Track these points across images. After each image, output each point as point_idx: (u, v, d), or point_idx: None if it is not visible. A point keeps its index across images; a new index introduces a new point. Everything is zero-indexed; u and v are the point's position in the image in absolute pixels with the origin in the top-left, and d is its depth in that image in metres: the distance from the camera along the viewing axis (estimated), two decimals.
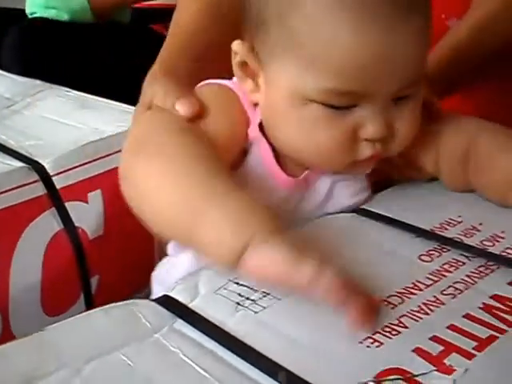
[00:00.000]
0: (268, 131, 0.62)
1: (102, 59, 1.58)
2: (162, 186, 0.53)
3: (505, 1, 0.86)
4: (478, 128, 0.65)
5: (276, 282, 0.47)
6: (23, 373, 0.42)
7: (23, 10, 1.73)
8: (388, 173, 0.68)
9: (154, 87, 0.67)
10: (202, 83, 0.65)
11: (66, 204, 0.83)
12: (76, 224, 0.84)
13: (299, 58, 0.56)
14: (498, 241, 0.57)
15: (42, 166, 0.81)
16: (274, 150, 0.62)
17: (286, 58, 0.57)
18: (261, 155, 0.62)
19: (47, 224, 0.81)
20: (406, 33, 0.55)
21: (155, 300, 0.50)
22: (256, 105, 0.62)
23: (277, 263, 0.46)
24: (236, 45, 0.61)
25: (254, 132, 0.62)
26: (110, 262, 0.88)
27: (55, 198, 0.82)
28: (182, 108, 0.60)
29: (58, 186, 0.82)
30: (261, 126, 0.62)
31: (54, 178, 0.82)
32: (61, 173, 0.83)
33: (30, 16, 1.73)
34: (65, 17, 1.70)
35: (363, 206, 0.64)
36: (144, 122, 0.62)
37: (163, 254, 0.70)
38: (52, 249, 0.84)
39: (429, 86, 0.65)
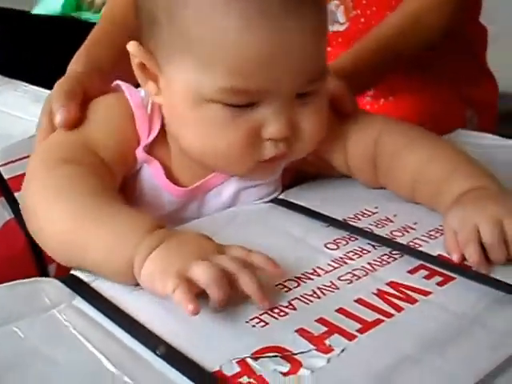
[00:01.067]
0: (171, 134, 0.62)
1: (62, 54, 1.60)
2: (50, 217, 0.54)
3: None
4: (383, 126, 0.66)
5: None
6: None
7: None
8: (303, 171, 0.68)
9: (66, 77, 0.68)
10: (114, 83, 0.66)
11: (16, 194, 0.85)
12: None
13: (192, 58, 0.55)
14: (408, 231, 0.59)
15: None
16: (165, 163, 0.63)
17: (180, 59, 0.56)
18: (150, 172, 0.63)
19: None
20: (298, 29, 0.54)
21: (59, 278, 0.52)
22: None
23: (149, 278, 0.48)
24: (132, 46, 0.59)
25: (142, 152, 0.62)
26: None
27: (4, 188, 0.84)
28: (59, 117, 0.62)
29: (6, 176, 0.84)
30: (152, 144, 0.62)
31: (1, 168, 0.83)
32: (9, 163, 0.84)
33: None
34: None
35: (281, 197, 0.65)
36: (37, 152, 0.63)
37: None
38: (4, 237, 0.85)
39: (346, 81, 0.67)
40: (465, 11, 0.90)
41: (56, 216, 0.53)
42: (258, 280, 0.47)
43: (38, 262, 0.89)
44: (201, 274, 0.46)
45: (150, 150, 0.63)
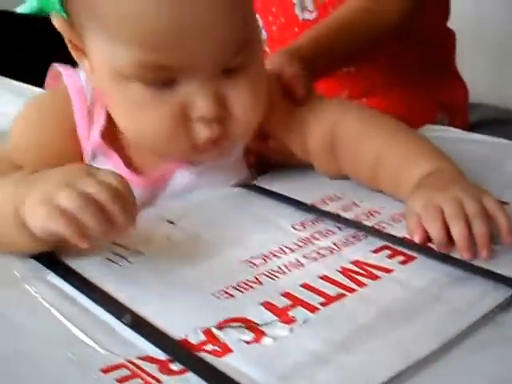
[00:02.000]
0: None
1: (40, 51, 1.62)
2: None
3: None
4: (341, 112, 0.65)
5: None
6: None
7: None
8: (268, 158, 0.69)
9: None
10: (53, 67, 0.65)
11: None
12: None
13: (108, 32, 0.53)
14: (373, 215, 0.60)
15: None
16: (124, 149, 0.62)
17: (97, 33, 0.54)
18: (108, 162, 0.62)
19: None
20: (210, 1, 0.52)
21: (33, 256, 0.53)
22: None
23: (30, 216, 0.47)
24: (57, 22, 0.58)
25: (95, 143, 0.61)
26: None
27: None
28: None
29: None
30: (104, 133, 0.61)
31: None
32: None
33: None
34: None
35: (253, 183, 0.67)
36: None
37: None
38: None
39: (302, 62, 0.67)
40: (414, 11, 0.91)
41: None
42: None
43: None
44: (65, 200, 0.45)
45: (103, 138, 0.62)
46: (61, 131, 0.62)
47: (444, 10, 1.12)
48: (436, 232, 0.53)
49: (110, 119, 0.62)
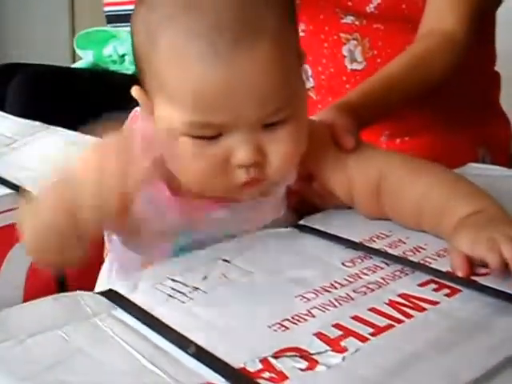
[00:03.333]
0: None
1: (94, 103, 1.70)
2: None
3: (441, 40, 0.93)
4: (385, 159, 0.70)
5: None
6: None
7: (26, 64, 1.91)
8: (310, 201, 0.74)
9: None
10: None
11: None
12: None
13: (164, 96, 0.61)
14: (419, 251, 0.63)
15: (30, 193, 0.89)
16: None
17: (158, 96, 0.62)
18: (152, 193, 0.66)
19: None
20: (251, 61, 0.58)
21: (99, 292, 0.57)
22: None
23: None
24: (134, 91, 0.66)
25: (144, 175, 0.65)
26: (89, 278, 0.94)
27: None
28: None
29: None
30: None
31: None
32: None
33: None
34: None
35: (301, 222, 0.70)
36: None
37: None
38: (34, 269, 0.91)
39: (350, 115, 0.72)
40: (464, 59, 0.96)
41: None
42: None
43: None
44: None
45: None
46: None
47: (489, 55, 1.16)
48: (493, 257, 0.55)
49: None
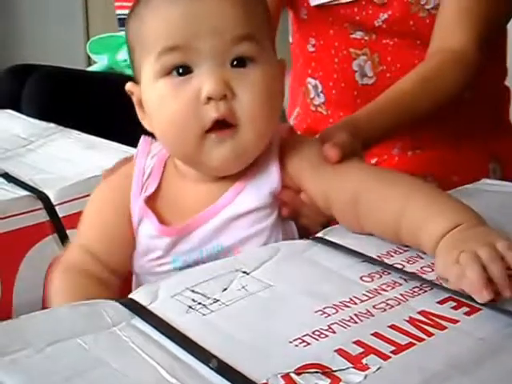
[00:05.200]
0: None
1: (108, 106, 1.70)
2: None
3: (451, 59, 0.93)
4: (360, 172, 0.71)
5: None
6: None
7: (41, 65, 1.93)
8: (300, 220, 0.75)
9: None
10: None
11: (68, 231, 0.92)
12: None
13: (146, 53, 0.68)
14: None
15: (47, 196, 0.90)
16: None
17: (143, 62, 0.69)
18: (147, 220, 0.73)
19: (49, 247, 0.90)
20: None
21: (118, 301, 0.57)
22: None
23: None
24: (127, 85, 0.73)
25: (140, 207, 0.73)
26: None
27: (58, 225, 0.90)
28: None
29: (60, 215, 0.91)
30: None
31: (57, 207, 0.90)
32: (64, 203, 0.91)
33: None
34: None
35: (319, 235, 0.70)
36: None
37: None
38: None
39: (356, 133, 0.73)
40: (472, 79, 0.96)
41: None
42: None
43: None
44: None
45: (146, 203, 0.73)
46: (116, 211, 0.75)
47: (500, 70, 1.16)
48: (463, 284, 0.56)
49: (158, 188, 0.74)
